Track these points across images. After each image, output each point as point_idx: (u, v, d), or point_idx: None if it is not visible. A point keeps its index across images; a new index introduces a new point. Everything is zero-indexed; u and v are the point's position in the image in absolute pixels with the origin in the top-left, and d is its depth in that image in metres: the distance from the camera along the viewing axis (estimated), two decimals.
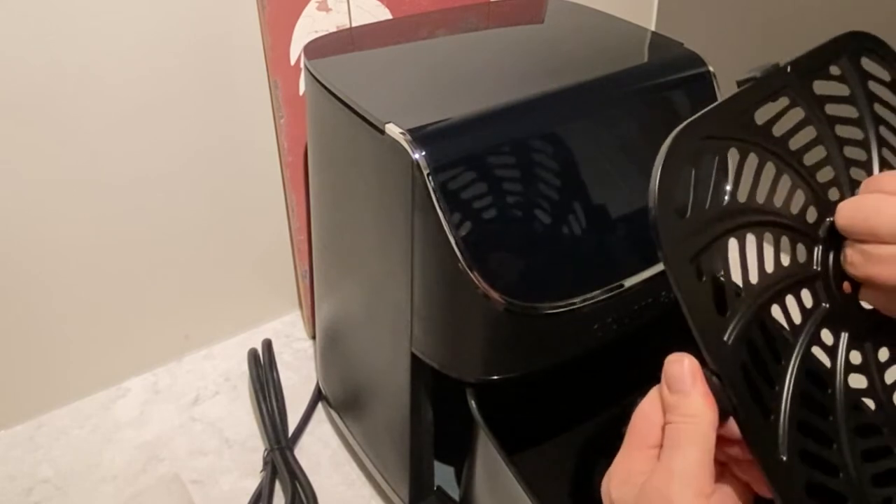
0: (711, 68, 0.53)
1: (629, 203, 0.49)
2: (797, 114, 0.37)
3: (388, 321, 0.52)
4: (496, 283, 0.44)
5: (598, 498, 0.35)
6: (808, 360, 0.34)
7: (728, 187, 0.34)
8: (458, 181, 0.43)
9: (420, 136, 0.43)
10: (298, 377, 0.75)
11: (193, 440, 0.69)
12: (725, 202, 0.34)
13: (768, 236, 0.35)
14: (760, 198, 0.35)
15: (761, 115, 0.36)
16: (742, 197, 0.34)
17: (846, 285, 0.36)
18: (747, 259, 0.33)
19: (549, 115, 0.47)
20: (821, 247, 0.36)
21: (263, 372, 0.70)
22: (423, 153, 0.42)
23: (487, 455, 0.48)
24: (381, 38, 0.61)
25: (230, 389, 0.75)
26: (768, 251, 0.34)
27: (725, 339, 0.32)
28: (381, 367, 0.55)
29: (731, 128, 0.35)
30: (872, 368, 0.37)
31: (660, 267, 0.49)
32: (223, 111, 0.68)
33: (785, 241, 0.35)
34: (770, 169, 0.36)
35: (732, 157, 0.35)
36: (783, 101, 0.37)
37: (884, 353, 0.37)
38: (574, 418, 0.61)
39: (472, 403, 0.48)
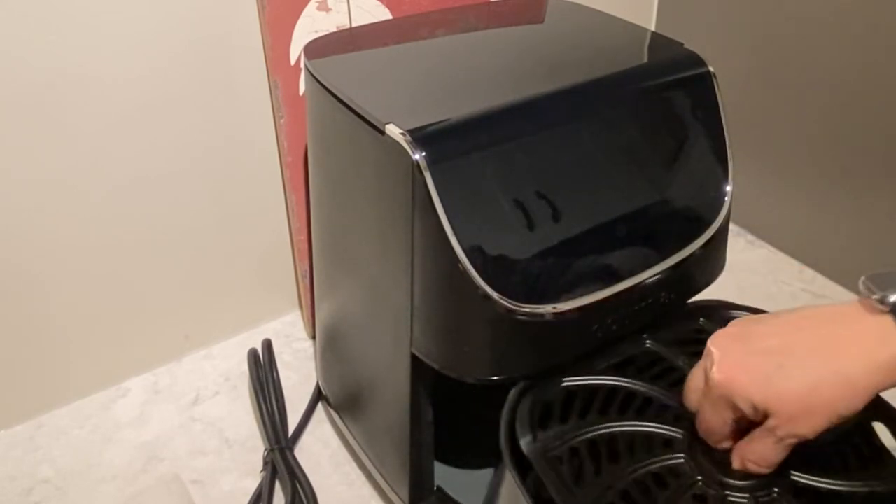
0: (711, 68, 0.53)
1: (629, 203, 0.49)
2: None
3: (388, 321, 0.52)
4: (496, 284, 0.44)
5: None
6: None
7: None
8: (459, 181, 0.43)
9: (420, 136, 0.43)
10: (298, 377, 0.75)
11: (193, 440, 0.69)
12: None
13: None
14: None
15: None
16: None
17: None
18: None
19: (549, 116, 0.47)
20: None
21: (263, 372, 0.70)
22: (424, 153, 0.42)
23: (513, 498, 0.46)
24: (381, 38, 0.61)
25: (230, 389, 0.75)
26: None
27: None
28: (381, 367, 0.55)
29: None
30: None
31: (659, 267, 0.50)
32: (223, 111, 0.68)
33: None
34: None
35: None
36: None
37: None
38: None
39: (503, 439, 0.45)
